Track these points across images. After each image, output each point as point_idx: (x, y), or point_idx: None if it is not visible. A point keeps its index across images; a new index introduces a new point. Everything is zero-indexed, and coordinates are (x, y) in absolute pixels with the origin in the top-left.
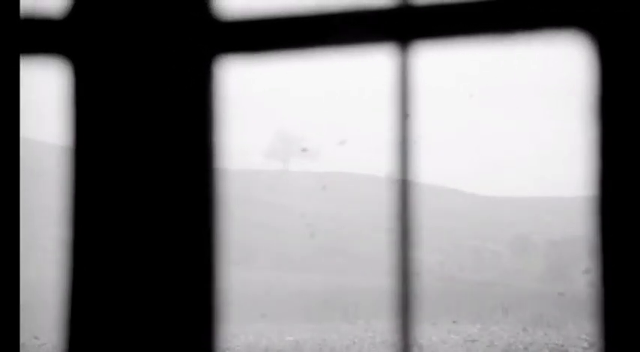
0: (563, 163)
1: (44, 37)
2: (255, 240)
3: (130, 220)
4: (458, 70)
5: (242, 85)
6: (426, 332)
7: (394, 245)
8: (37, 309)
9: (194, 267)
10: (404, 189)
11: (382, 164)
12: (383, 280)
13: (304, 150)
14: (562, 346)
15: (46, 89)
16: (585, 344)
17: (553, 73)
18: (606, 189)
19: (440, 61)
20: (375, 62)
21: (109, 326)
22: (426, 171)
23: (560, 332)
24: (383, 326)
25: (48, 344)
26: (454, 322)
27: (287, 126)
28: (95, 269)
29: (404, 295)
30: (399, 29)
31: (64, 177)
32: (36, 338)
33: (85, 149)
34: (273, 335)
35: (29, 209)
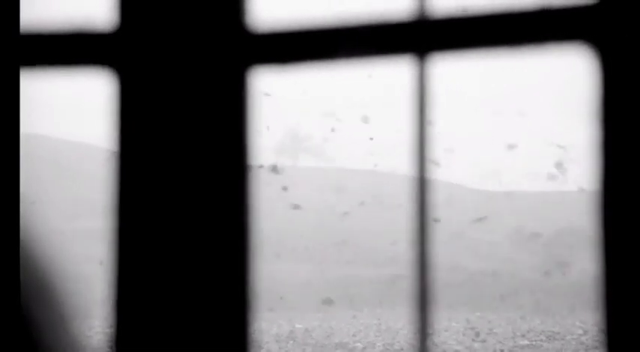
0: (564, 160)
1: (93, 49)
2: (266, 232)
3: (172, 215)
4: (470, 78)
5: (266, 90)
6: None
7: (412, 239)
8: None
9: (231, 259)
10: (421, 186)
11: (391, 163)
12: (386, 270)
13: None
14: (558, 333)
15: (95, 97)
16: (580, 331)
17: (560, 80)
18: (608, 185)
19: (454, 70)
20: (394, 71)
21: (153, 316)
22: (432, 169)
23: (557, 320)
24: (387, 314)
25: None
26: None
27: (301, 126)
28: (139, 261)
29: (421, 287)
30: (417, 41)
31: (110, 177)
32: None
33: (130, 152)
34: (284, 322)
35: (76, 203)
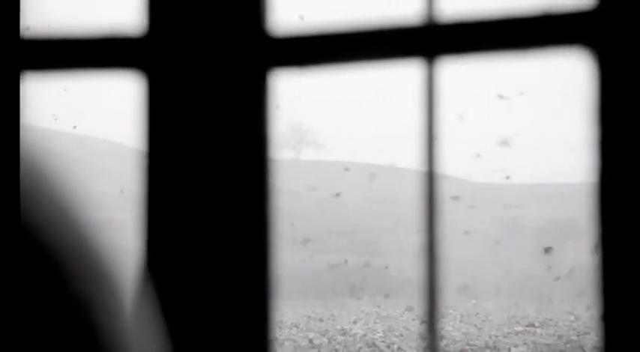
0: (559, 155)
1: (124, 53)
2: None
3: (198, 206)
4: (476, 79)
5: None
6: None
7: (422, 232)
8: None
9: (254, 248)
10: (430, 180)
11: (394, 158)
12: (385, 259)
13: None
14: (551, 320)
15: (123, 98)
16: (572, 318)
17: (560, 80)
18: (605, 178)
19: (460, 72)
20: (402, 73)
21: (178, 303)
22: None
23: (549, 308)
24: (386, 302)
25: None
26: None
27: (312, 123)
28: (167, 250)
29: (430, 278)
30: (426, 45)
31: (138, 172)
32: None
33: (157, 148)
34: (288, 309)
35: (103, 196)
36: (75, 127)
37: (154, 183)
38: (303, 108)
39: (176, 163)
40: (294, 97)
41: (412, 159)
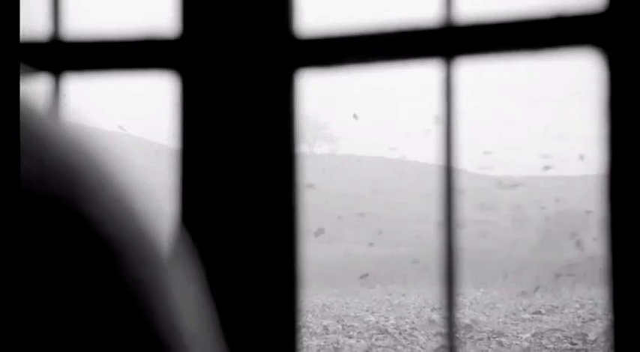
0: (568, 150)
1: (159, 54)
2: None
3: (230, 201)
4: (490, 78)
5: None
6: (436, 295)
7: (440, 223)
8: None
9: (282, 239)
10: (448, 174)
11: (401, 153)
12: (397, 249)
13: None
14: (557, 307)
15: (161, 98)
16: (577, 305)
17: (572, 79)
18: (615, 170)
19: (475, 71)
20: (420, 73)
21: (212, 288)
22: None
23: (555, 296)
24: (398, 290)
25: None
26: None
27: (326, 121)
28: (199, 242)
29: (448, 268)
30: (444, 46)
31: (172, 168)
32: None
33: (191, 144)
34: (303, 297)
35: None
36: (121, 128)
37: (187, 179)
38: (319, 105)
39: (208, 159)
40: (312, 94)
41: (426, 155)
